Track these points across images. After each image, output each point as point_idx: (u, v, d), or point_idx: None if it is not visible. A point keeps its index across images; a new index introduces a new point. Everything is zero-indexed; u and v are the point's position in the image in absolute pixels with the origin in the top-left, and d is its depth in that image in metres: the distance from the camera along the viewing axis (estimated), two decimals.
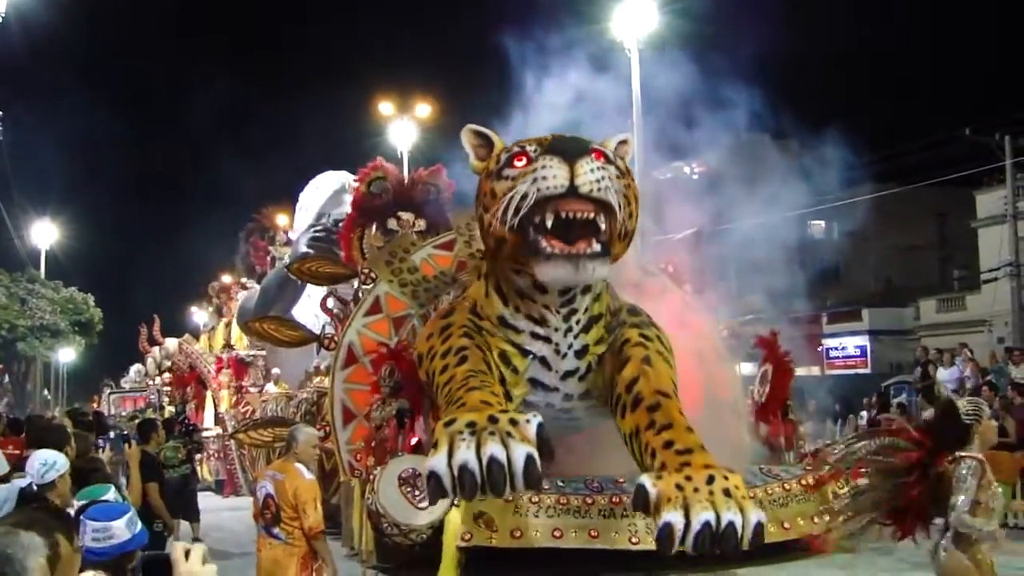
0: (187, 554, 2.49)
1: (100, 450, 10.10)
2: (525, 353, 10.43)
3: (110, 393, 40.53)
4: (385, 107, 32.54)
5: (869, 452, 8.14)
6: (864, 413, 20.86)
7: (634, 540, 10.82)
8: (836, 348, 42.52)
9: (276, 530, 7.38)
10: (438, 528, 10.76)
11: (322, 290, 16.75)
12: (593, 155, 9.29)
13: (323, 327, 14.90)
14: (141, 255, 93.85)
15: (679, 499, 8.36)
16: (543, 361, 10.46)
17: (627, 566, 10.76)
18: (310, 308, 20.57)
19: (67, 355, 51.81)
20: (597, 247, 9.36)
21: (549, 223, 9.17)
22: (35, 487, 5.75)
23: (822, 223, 52.98)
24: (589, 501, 11.00)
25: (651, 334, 10.75)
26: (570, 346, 10.50)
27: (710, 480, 8.55)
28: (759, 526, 8.63)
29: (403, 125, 32.38)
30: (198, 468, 19.23)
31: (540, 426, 8.41)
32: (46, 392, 56.81)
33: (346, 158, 23.47)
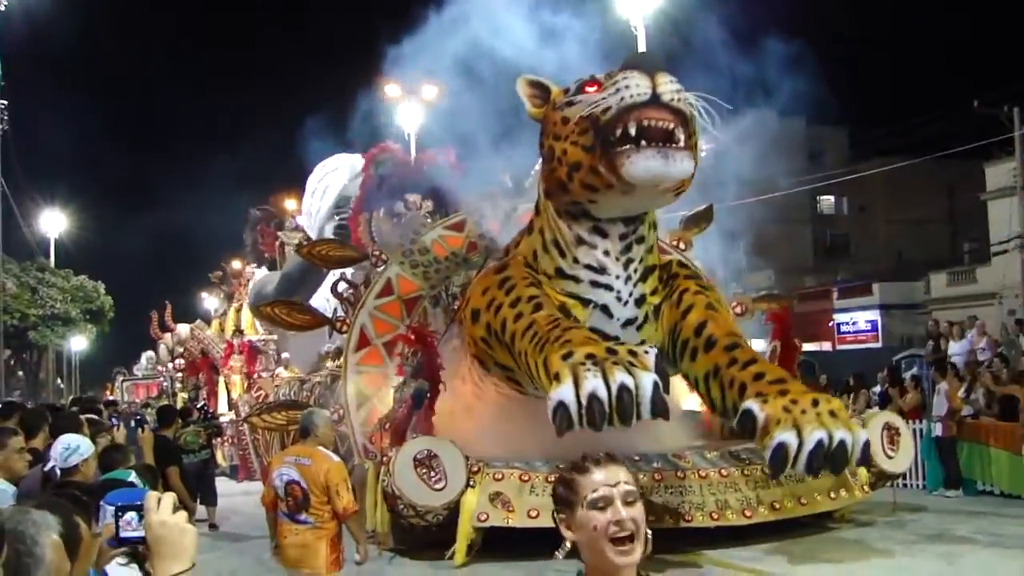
0: (159, 503, 2.48)
1: (115, 428, 10.16)
2: (586, 303, 10.61)
3: (123, 380, 40.63)
4: (392, 89, 32.35)
5: None
6: (876, 387, 20.80)
7: (651, 518, 10.71)
8: (847, 323, 42.40)
9: (303, 516, 7.26)
10: (454, 509, 10.74)
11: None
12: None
13: (334, 310, 14.88)
14: (150, 242, 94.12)
15: (789, 420, 8.70)
16: (604, 309, 10.63)
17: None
18: (321, 292, 20.50)
19: (79, 343, 51.88)
20: (682, 144, 9.61)
21: (632, 131, 9.41)
22: (58, 471, 5.74)
23: (831, 198, 52.83)
24: None
25: (705, 284, 11.08)
26: (630, 294, 10.71)
27: (815, 403, 8.88)
28: (867, 445, 8.93)
29: (410, 107, 32.20)
30: (217, 453, 19.27)
31: (658, 356, 8.64)
32: (59, 381, 56.95)
33: (354, 141, 23.10)
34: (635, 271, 10.80)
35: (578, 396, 8.11)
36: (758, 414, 8.99)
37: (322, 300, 19.43)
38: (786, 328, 13.41)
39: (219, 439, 19.80)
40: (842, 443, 8.70)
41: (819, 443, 8.62)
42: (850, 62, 74.72)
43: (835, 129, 51.22)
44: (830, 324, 41.78)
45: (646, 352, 8.66)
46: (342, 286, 15.22)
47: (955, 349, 20.19)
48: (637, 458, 11.00)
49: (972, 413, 15.20)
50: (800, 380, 13.08)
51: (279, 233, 25.55)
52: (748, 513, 10.92)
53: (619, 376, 8.14)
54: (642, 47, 24.82)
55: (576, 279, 10.79)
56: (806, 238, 51.04)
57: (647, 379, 8.22)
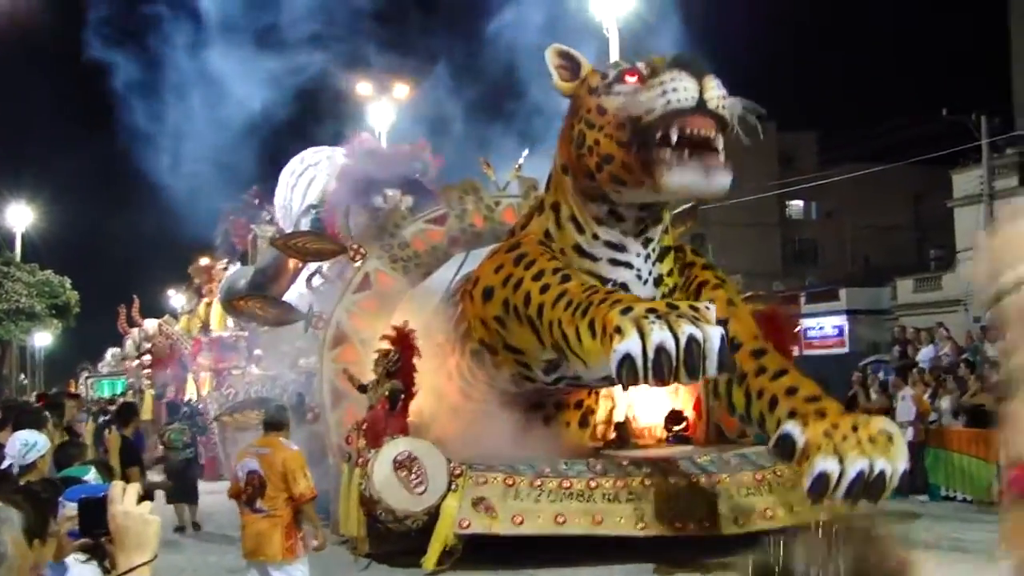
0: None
1: (83, 423, 9.98)
2: (605, 282, 10.40)
3: (87, 377, 40.20)
4: (363, 87, 32.19)
5: None
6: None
7: (641, 525, 10.49)
8: (814, 328, 42.55)
9: (259, 503, 7.44)
10: (434, 514, 10.48)
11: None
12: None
13: (310, 306, 14.67)
14: (117, 238, 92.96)
15: (831, 446, 8.53)
16: (624, 288, 10.41)
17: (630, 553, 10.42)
18: (295, 286, 20.22)
19: (43, 339, 51.12)
20: (722, 158, 9.45)
21: (675, 138, 9.24)
22: (16, 468, 5.67)
23: (800, 203, 53.19)
24: (593, 484, 10.62)
25: (722, 276, 11.08)
26: (649, 272, 10.57)
27: (855, 428, 8.76)
28: (905, 474, 8.98)
29: (382, 105, 32.08)
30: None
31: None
32: (22, 376, 56.19)
33: (323, 139, 22.82)
34: (653, 250, 10.69)
35: (644, 349, 7.89)
36: (798, 438, 8.81)
37: (295, 294, 19.20)
38: (778, 329, 13.02)
39: (203, 438, 19.58)
40: (881, 474, 8.58)
41: (860, 473, 8.50)
42: (821, 68, 75.46)
43: (805, 134, 51.58)
44: (797, 329, 41.86)
45: (707, 307, 8.55)
46: (316, 280, 15.00)
47: (922, 355, 20.35)
48: (626, 462, 10.87)
49: (937, 419, 15.31)
50: None
51: (252, 226, 25.10)
52: (741, 521, 10.78)
53: (687, 328, 7.97)
54: (614, 49, 24.84)
55: (594, 257, 10.61)
56: (775, 243, 51.36)
57: (715, 332, 8.09)
